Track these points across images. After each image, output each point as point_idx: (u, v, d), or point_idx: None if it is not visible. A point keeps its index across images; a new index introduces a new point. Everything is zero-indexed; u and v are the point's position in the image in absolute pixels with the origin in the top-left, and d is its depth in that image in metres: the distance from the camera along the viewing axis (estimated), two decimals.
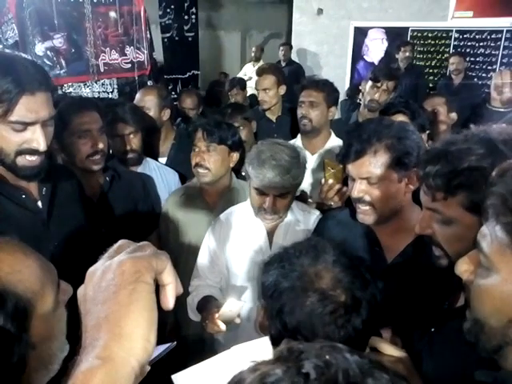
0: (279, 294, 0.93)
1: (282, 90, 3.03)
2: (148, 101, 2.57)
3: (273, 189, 1.63)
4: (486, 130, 1.00)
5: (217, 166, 1.99)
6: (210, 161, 1.97)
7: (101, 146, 1.81)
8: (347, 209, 1.58)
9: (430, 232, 1.08)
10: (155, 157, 2.54)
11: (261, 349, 0.97)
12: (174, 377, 0.97)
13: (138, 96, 2.65)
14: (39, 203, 1.45)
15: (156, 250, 0.58)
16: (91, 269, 0.56)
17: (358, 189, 1.39)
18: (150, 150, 2.51)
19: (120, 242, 0.60)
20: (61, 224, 1.51)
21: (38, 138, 1.28)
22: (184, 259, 2.08)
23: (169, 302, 0.57)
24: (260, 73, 3.06)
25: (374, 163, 1.35)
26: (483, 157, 0.93)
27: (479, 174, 0.92)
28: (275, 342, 0.93)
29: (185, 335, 2.10)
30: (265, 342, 0.97)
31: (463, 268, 0.77)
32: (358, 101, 4.81)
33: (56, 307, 0.75)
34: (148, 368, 0.90)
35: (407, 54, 5.44)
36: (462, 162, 0.95)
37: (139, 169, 2.31)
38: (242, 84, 4.30)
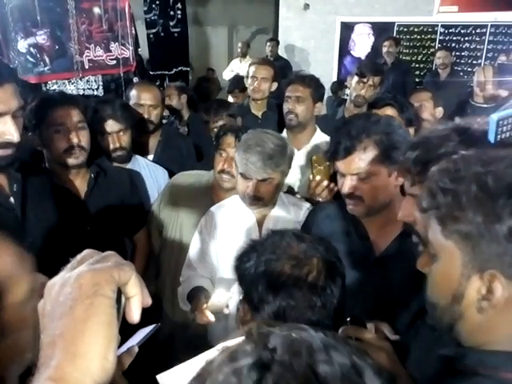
0: (261, 275, 0.99)
1: (274, 86, 3.03)
2: (154, 97, 2.50)
3: (255, 173, 1.66)
4: (467, 121, 1.05)
5: None
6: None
7: (75, 140, 1.77)
8: (336, 202, 1.59)
9: (411, 219, 1.08)
10: (145, 154, 2.51)
11: None
12: (158, 377, 0.96)
13: (138, 93, 2.49)
14: (11, 199, 1.47)
15: (120, 260, 0.55)
16: (50, 282, 0.53)
17: (349, 185, 1.41)
18: (140, 147, 2.47)
19: (84, 252, 0.56)
20: (35, 220, 1.52)
21: (9, 129, 1.30)
22: (178, 250, 2.06)
23: (134, 315, 0.53)
24: (261, 62, 3.07)
25: (364, 159, 1.37)
26: (460, 144, 0.96)
27: None
28: None
29: (173, 329, 2.10)
30: None
31: (421, 262, 0.85)
32: (344, 96, 4.84)
33: (31, 297, 0.74)
34: (136, 349, 0.90)
35: (388, 48, 5.47)
36: (439, 148, 0.98)
37: (128, 166, 2.28)
38: (242, 84, 4.27)
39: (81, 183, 1.89)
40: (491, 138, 0.93)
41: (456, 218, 0.71)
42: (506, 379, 0.70)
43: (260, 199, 1.71)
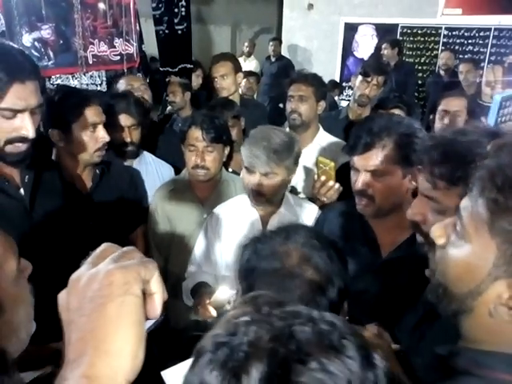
0: (251, 273, 0.96)
1: (240, 77, 3.02)
2: (143, 88, 2.53)
3: (259, 167, 1.66)
4: (497, 126, 1.01)
5: (216, 165, 2.00)
6: (210, 161, 1.97)
7: (107, 139, 1.80)
8: (349, 201, 1.58)
9: (420, 218, 1.07)
10: (151, 150, 2.50)
11: None
12: (163, 373, 0.97)
13: (127, 83, 2.54)
14: (21, 191, 1.48)
15: (142, 256, 0.55)
16: (74, 275, 0.53)
17: (362, 181, 1.40)
18: (146, 143, 2.48)
19: (103, 245, 0.56)
20: (44, 212, 1.53)
21: (26, 125, 1.32)
22: (175, 252, 2.08)
23: (156, 311, 0.54)
24: (216, 60, 3.00)
25: (381, 157, 1.37)
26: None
27: None
28: None
29: (175, 327, 2.09)
30: None
31: (439, 232, 0.77)
32: (335, 97, 4.85)
33: (18, 276, 0.79)
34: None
35: (382, 51, 5.44)
36: (469, 154, 0.93)
37: (135, 162, 2.29)
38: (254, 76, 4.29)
39: (87, 178, 1.89)
40: (491, 120, 0.91)
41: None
42: (502, 380, 0.67)
43: (262, 195, 1.71)
